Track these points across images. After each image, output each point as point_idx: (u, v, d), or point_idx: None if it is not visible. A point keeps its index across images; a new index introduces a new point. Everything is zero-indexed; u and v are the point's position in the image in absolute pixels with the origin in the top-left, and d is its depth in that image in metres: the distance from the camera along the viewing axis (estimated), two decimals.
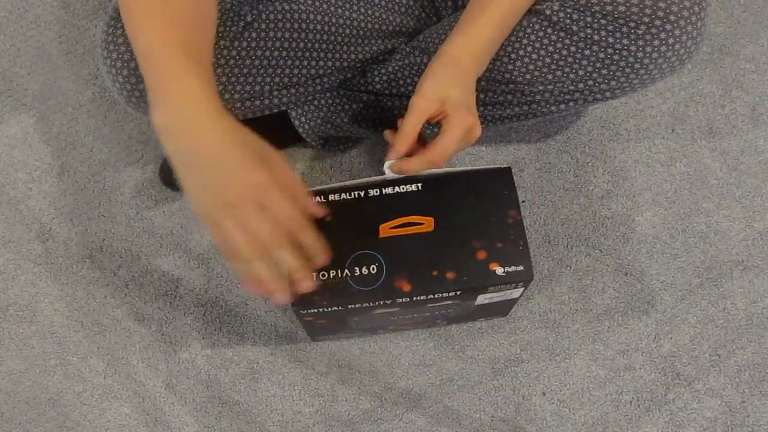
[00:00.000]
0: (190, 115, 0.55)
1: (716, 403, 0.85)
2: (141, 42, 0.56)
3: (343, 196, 0.69)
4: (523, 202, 0.93)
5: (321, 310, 0.68)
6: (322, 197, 0.69)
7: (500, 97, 0.79)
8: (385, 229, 0.67)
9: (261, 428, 0.84)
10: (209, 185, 0.55)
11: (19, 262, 0.92)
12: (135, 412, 0.85)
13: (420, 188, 0.70)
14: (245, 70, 0.73)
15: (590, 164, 0.95)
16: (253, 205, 0.55)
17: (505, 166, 0.71)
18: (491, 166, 0.71)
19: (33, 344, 0.88)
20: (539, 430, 0.84)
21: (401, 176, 0.68)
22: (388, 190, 0.70)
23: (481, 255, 0.67)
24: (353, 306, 0.68)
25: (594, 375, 0.86)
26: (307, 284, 0.58)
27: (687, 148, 0.96)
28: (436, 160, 0.65)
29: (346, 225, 0.68)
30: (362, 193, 0.70)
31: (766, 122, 0.98)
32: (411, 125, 0.64)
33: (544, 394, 0.86)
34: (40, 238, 0.93)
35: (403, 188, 0.70)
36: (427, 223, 0.67)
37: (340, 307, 0.68)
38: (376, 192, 0.70)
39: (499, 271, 0.67)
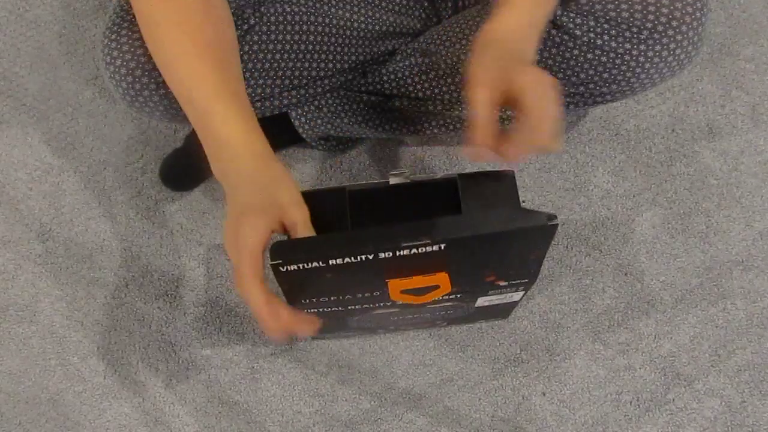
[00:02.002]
0: (247, 156, 0.57)
1: (716, 403, 0.85)
2: (178, 84, 0.59)
3: (347, 259, 0.59)
4: (524, 202, 0.93)
5: (320, 309, 0.68)
6: (320, 262, 0.59)
7: None
8: (396, 290, 0.62)
9: (261, 428, 0.85)
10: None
11: (19, 262, 0.92)
12: (135, 412, 0.85)
13: (442, 249, 0.59)
14: (247, 74, 0.73)
15: (590, 164, 0.95)
16: (231, 248, 0.57)
17: (552, 222, 0.57)
18: (534, 224, 0.57)
19: (33, 344, 0.88)
20: (539, 430, 0.84)
21: (408, 182, 0.67)
22: (404, 252, 0.58)
23: (490, 278, 0.67)
24: (353, 307, 0.68)
25: (594, 375, 0.86)
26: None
27: (687, 148, 0.96)
28: (544, 139, 0.55)
29: (350, 279, 0.61)
30: (371, 256, 0.58)
31: (766, 122, 0.98)
32: (481, 116, 0.55)
33: (544, 394, 0.86)
34: (40, 238, 0.93)
35: (421, 249, 0.58)
36: (443, 285, 0.61)
37: (339, 308, 0.68)
38: (389, 254, 0.58)
39: (503, 283, 0.67)
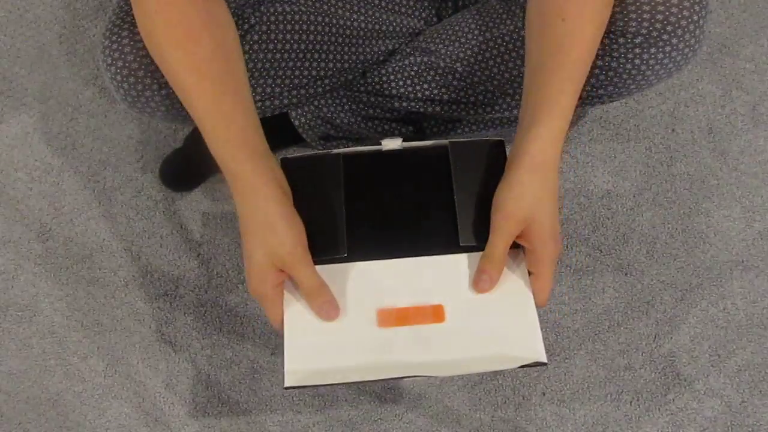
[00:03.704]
0: (241, 193, 0.58)
1: (716, 403, 0.85)
2: (180, 93, 0.59)
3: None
4: None
5: None
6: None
7: (499, 99, 0.79)
8: (385, 318, 0.61)
9: (261, 428, 0.85)
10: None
11: (19, 262, 0.92)
12: (135, 412, 0.85)
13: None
14: (248, 74, 0.73)
15: (590, 164, 0.95)
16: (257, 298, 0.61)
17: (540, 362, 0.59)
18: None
19: (33, 344, 0.88)
20: (539, 430, 0.84)
21: (398, 149, 0.68)
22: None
23: None
24: None
25: (594, 375, 0.86)
26: None
27: (687, 148, 0.96)
28: (541, 306, 0.61)
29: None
30: None
31: (766, 122, 0.98)
32: (499, 250, 0.58)
33: (544, 394, 0.86)
34: (40, 238, 0.93)
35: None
36: (436, 314, 0.61)
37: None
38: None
39: None
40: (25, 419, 0.85)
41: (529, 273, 0.60)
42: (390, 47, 0.82)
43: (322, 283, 0.59)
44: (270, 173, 0.59)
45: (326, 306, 0.59)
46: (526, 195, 0.58)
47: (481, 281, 0.59)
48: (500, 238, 0.58)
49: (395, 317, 0.60)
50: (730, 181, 0.95)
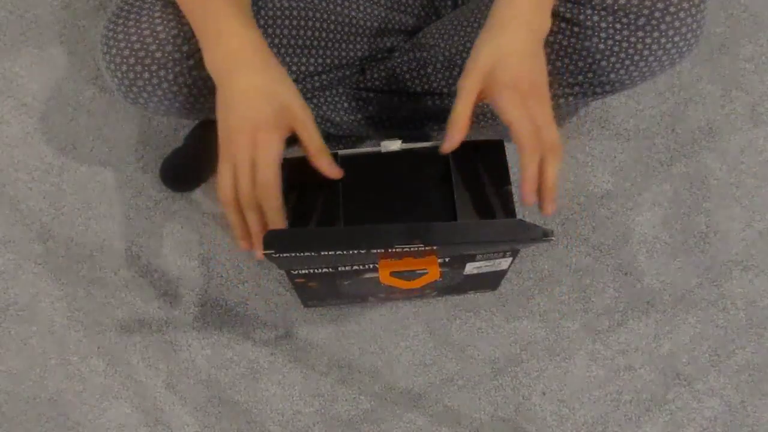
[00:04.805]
0: (231, 57, 0.60)
1: (716, 403, 0.85)
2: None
3: (339, 252, 0.61)
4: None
5: (312, 270, 0.68)
6: (312, 253, 0.60)
7: None
8: (386, 273, 0.64)
9: (261, 428, 0.85)
10: (227, 125, 0.60)
11: (19, 262, 0.92)
12: (135, 412, 0.85)
13: (434, 249, 0.62)
14: None
15: (590, 164, 0.95)
16: (246, 160, 0.60)
17: (548, 237, 0.60)
18: (529, 237, 0.60)
19: (33, 344, 0.88)
20: (539, 430, 0.84)
21: (397, 150, 0.67)
22: (396, 249, 0.60)
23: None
24: (343, 268, 0.68)
25: (594, 375, 0.86)
26: (258, 254, 0.62)
27: (687, 148, 0.96)
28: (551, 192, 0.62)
29: (342, 257, 0.63)
30: (363, 250, 0.60)
31: (766, 122, 0.98)
32: (458, 108, 0.60)
33: (544, 394, 0.86)
34: (40, 238, 0.93)
35: (414, 248, 0.61)
36: (432, 271, 0.63)
37: (329, 269, 0.68)
38: (380, 250, 0.61)
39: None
40: (25, 419, 0.85)
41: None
42: (388, 44, 0.83)
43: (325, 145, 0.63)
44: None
45: (333, 165, 0.64)
46: (483, 47, 0.59)
47: (444, 143, 0.62)
48: (461, 95, 0.60)
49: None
50: (730, 181, 0.95)
